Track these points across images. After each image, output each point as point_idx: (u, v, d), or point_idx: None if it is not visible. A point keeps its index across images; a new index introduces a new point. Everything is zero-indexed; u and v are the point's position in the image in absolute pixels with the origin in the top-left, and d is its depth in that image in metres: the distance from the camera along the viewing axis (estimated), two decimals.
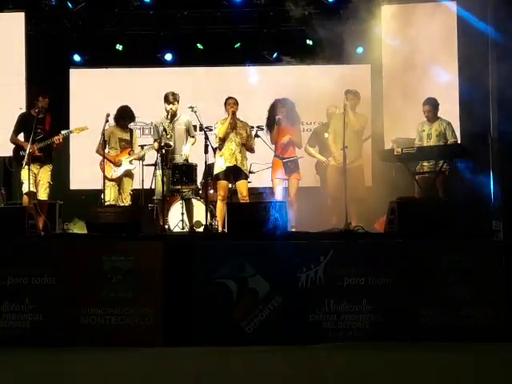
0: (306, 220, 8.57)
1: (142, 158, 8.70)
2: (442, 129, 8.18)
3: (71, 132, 8.59)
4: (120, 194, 8.56)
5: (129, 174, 8.62)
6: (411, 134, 8.47)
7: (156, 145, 8.27)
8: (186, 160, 8.26)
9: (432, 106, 8.26)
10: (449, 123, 8.23)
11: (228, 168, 8.22)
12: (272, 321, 6.00)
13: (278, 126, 8.36)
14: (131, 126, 8.99)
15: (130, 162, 8.60)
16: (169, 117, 8.30)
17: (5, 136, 8.60)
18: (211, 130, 8.66)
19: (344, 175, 7.65)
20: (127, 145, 8.66)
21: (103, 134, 8.29)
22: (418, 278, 6.02)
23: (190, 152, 8.35)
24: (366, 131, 8.81)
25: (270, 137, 8.60)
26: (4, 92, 9.90)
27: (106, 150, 8.49)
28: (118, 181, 8.54)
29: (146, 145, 8.86)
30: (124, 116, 8.69)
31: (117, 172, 8.49)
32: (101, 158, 8.51)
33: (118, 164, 8.49)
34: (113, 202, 8.38)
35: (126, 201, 8.54)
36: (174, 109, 8.30)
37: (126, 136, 8.68)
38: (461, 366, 5.19)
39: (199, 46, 11.20)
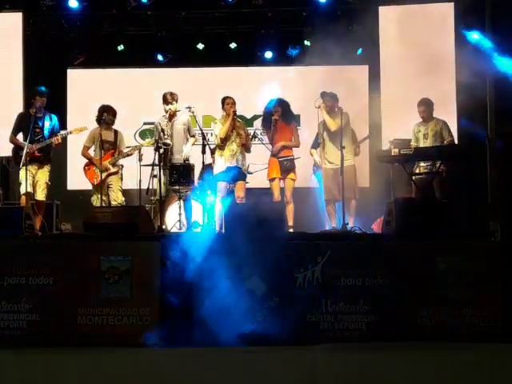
0: (303, 220, 8.59)
1: (126, 156, 8.65)
2: (438, 128, 8.19)
3: (70, 133, 8.57)
4: (108, 194, 8.52)
5: (114, 173, 8.59)
6: (409, 134, 8.48)
7: (150, 142, 8.30)
8: (187, 160, 8.23)
9: (426, 105, 8.28)
10: (445, 122, 8.25)
11: (229, 168, 8.23)
12: (269, 321, 5.99)
13: (275, 127, 8.35)
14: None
15: (114, 164, 8.57)
16: (167, 117, 8.32)
17: (3, 136, 8.60)
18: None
19: (341, 176, 7.68)
20: (111, 146, 8.60)
21: (101, 135, 8.32)
22: (416, 279, 6.02)
23: (191, 152, 8.33)
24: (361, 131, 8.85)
25: (266, 137, 8.60)
26: (2, 92, 9.90)
27: (91, 153, 8.52)
28: (104, 183, 8.51)
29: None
30: (107, 110, 8.61)
31: (99, 177, 8.44)
32: (85, 162, 8.63)
33: (102, 169, 8.45)
34: None
35: (118, 197, 8.50)
36: (172, 109, 8.31)
37: (110, 137, 8.61)
38: (460, 366, 5.19)
39: (200, 46, 11.20)
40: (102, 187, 8.47)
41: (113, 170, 8.52)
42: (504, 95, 8.36)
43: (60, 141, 8.24)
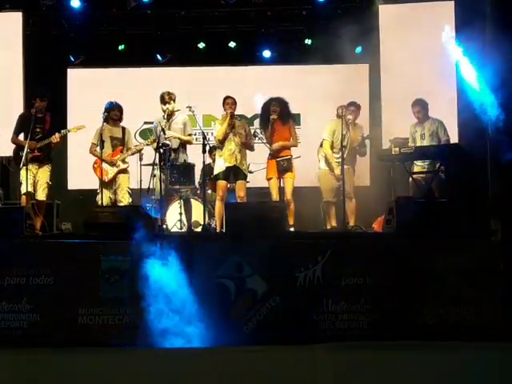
0: (304, 220, 8.59)
1: (136, 153, 8.64)
2: (435, 128, 8.21)
3: (68, 131, 8.55)
4: (116, 193, 8.51)
5: (123, 171, 8.58)
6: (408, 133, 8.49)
7: (152, 139, 8.30)
8: (167, 140, 8.16)
9: (421, 106, 8.29)
10: (441, 122, 8.26)
11: (228, 168, 8.24)
12: (270, 321, 6.00)
13: (272, 126, 8.35)
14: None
15: (123, 160, 8.56)
16: (165, 116, 8.31)
17: (3, 136, 8.60)
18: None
19: (342, 175, 7.69)
20: (119, 143, 8.57)
21: (101, 134, 8.30)
22: (417, 278, 6.02)
23: (173, 136, 8.25)
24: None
25: (264, 136, 8.59)
26: (2, 92, 9.89)
27: (99, 150, 8.49)
28: (113, 181, 8.50)
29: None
30: (113, 108, 8.58)
31: (110, 174, 8.44)
32: (94, 159, 8.54)
33: (112, 164, 8.44)
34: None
35: (124, 199, 8.46)
36: (170, 108, 8.29)
37: (118, 134, 8.56)
38: (460, 365, 5.19)
39: (201, 45, 11.19)
40: (109, 185, 8.44)
41: (123, 166, 8.51)
42: (505, 92, 8.32)
43: (58, 139, 8.22)
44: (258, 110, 8.87)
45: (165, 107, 8.29)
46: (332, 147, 8.40)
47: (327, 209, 8.38)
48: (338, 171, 8.25)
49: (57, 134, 8.18)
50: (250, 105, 9.85)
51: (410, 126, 8.40)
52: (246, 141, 8.36)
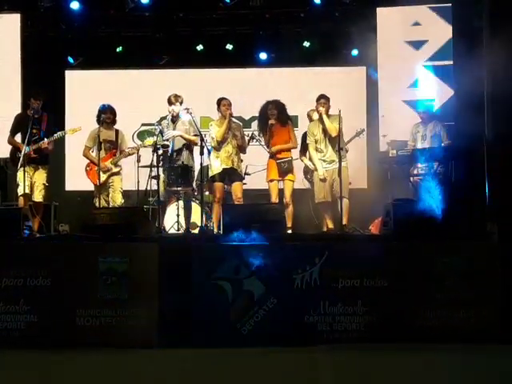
0: (301, 222, 8.59)
1: (128, 156, 8.63)
2: (437, 130, 8.23)
3: (65, 133, 8.55)
4: (109, 194, 8.50)
5: (116, 173, 8.56)
6: (406, 136, 8.50)
7: (148, 141, 8.30)
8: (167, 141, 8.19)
9: (426, 107, 8.30)
10: (443, 125, 8.28)
11: (224, 170, 8.24)
12: (267, 322, 6.00)
13: (271, 130, 8.35)
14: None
15: (115, 164, 8.55)
16: (170, 118, 8.32)
17: (1, 137, 8.61)
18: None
19: (339, 177, 7.68)
20: (112, 146, 8.56)
21: (98, 136, 8.30)
22: (414, 280, 6.03)
23: (175, 135, 8.24)
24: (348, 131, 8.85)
25: (263, 139, 8.59)
26: (0, 93, 9.89)
27: (93, 153, 8.48)
28: (106, 183, 8.49)
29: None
30: (106, 111, 8.56)
31: (102, 178, 8.41)
32: (87, 163, 8.57)
33: (104, 170, 8.42)
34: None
35: (117, 199, 8.47)
36: (175, 110, 8.29)
37: (111, 137, 8.56)
38: (458, 367, 5.20)
39: (199, 47, 11.20)
40: (103, 188, 8.43)
41: (115, 169, 8.50)
42: (502, 95, 8.34)
43: (47, 145, 8.18)
44: (255, 113, 8.87)
45: (170, 108, 8.31)
46: (316, 148, 8.37)
47: (322, 209, 8.38)
48: (320, 171, 8.24)
49: (46, 140, 8.16)
50: (248, 107, 9.87)
51: (413, 125, 8.42)
52: (242, 143, 8.37)
